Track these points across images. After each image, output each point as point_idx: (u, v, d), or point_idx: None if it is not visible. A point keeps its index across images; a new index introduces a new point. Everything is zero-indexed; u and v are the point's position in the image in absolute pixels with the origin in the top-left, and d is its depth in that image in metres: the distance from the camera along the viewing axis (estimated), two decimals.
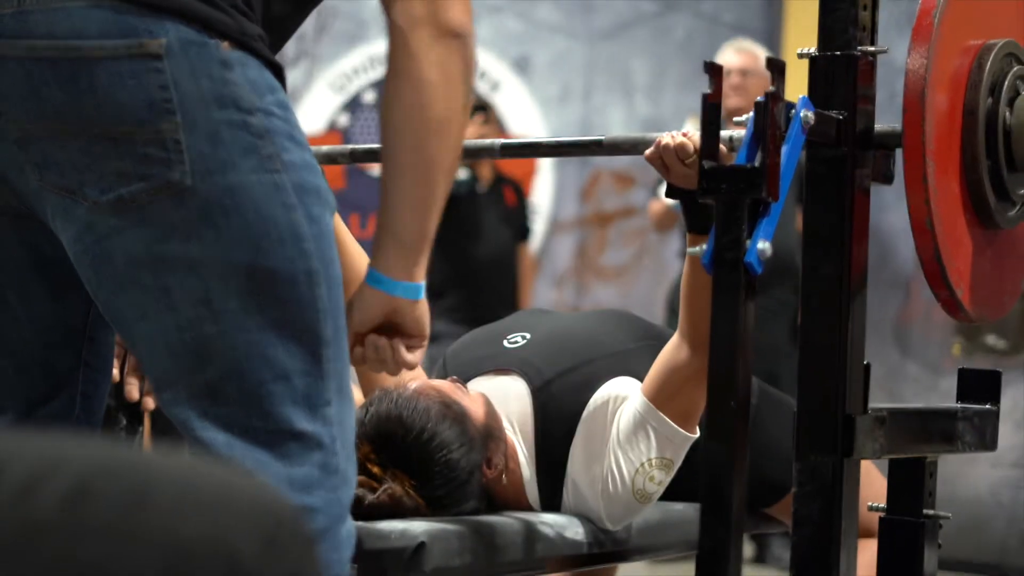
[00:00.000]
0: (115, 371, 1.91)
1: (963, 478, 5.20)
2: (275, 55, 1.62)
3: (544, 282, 6.82)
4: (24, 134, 1.53)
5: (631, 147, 2.19)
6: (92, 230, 1.53)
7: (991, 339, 5.40)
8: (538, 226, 6.83)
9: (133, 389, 1.91)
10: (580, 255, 6.90)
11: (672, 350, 2.24)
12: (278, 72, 1.58)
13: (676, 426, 2.25)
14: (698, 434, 2.27)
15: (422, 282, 1.70)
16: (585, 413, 2.34)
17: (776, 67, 1.75)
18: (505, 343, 2.50)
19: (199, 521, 0.86)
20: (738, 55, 4.91)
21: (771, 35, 6.29)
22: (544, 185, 6.94)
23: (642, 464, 2.26)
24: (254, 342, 1.54)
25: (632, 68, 6.82)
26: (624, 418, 2.28)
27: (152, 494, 0.86)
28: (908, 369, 5.63)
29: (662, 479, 2.28)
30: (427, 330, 1.71)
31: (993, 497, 5.33)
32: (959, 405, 2.14)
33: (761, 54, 4.97)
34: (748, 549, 4.91)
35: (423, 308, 1.70)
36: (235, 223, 1.52)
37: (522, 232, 5.91)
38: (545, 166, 6.93)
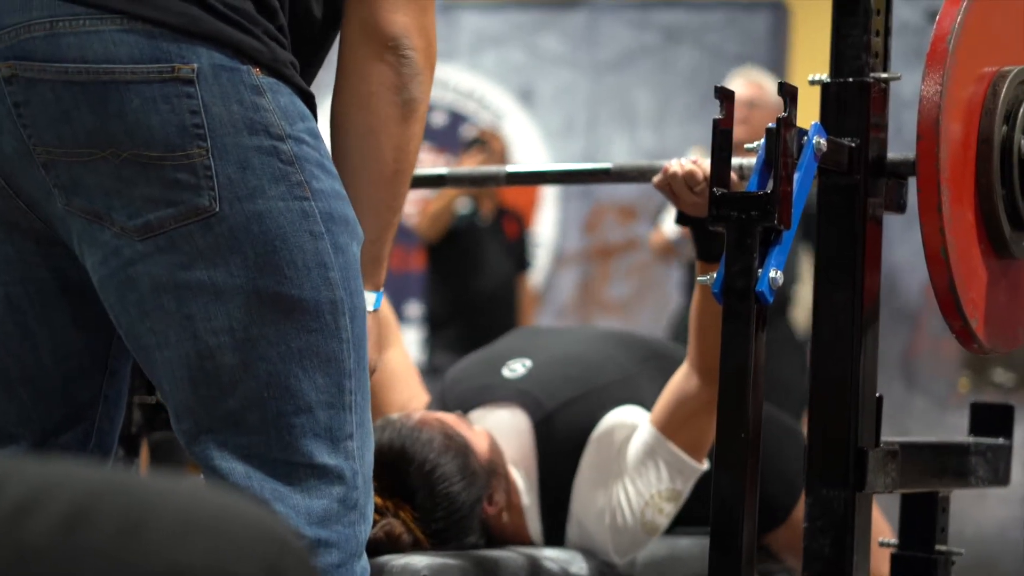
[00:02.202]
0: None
1: (971, 516, 5.16)
2: (308, 84, 1.61)
3: (547, 315, 6.80)
4: (52, 157, 1.52)
5: (639, 175, 2.17)
6: (118, 255, 1.52)
7: (999, 374, 5.37)
8: (541, 259, 6.81)
9: None
10: (583, 288, 6.88)
11: (681, 380, 2.21)
12: (309, 100, 1.59)
13: (686, 457, 2.22)
14: (708, 466, 2.24)
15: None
16: (589, 445, 2.30)
17: (788, 93, 1.73)
18: (505, 372, 2.46)
19: (198, 548, 0.84)
20: (746, 86, 4.78)
21: (777, 68, 6.28)
22: (547, 218, 6.93)
23: (651, 496, 2.23)
24: (277, 372, 1.52)
25: (636, 100, 6.81)
26: (632, 449, 2.25)
27: (150, 520, 0.84)
28: (915, 404, 5.60)
29: (671, 511, 2.26)
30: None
31: (1001, 535, 5.30)
32: (972, 439, 2.11)
33: (769, 85, 4.82)
34: None
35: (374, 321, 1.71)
36: (261, 250, 1.51)
37: (523, 264, 5.90)
38: (548, 199, 6.91)
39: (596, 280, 6.87)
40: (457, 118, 6.89)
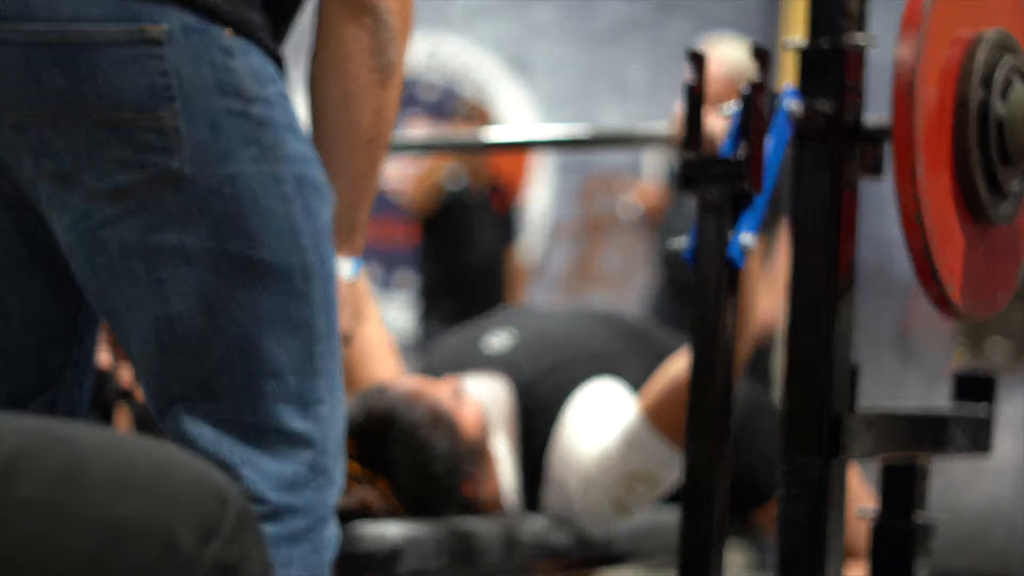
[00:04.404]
0: (105, 356, 1.88)
1: (964, 489, 5.17)
2: (277, 47, 1.60)
3: (541, 287, 6.80)
4: (21, 119, 1.51)
5: (617, 140, 2.16)
6: (88, 218, 1.51)
7: (994, 346, 5.37)
8: (535, 232, 6.82)
9: (126, 373, 1.88)
10: (577, 260, 6.88)
11: (673, 362, 2.18)
12: (279, 63, 1.58)
13: (665, 443, 2.18)
14: None
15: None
16: (566, 413, 2.30)
17: (761, 57, 1.72)
18: (489, 341, 2.46)
19: (135, 499, 0.83)
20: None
21: (770, 38, 6.26)
22: (541, 191, 6.93)
23: (622, 475, 2.21)
24: (247, 337, 1.52)
25: (629, 71, 6.80)
26: (612, 426, 2.23)
27: (87, 470, 0.83)
28: (910, 378, 5.60)
29: (644, 493, 2.23)
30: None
31: (994, 507, 5.30)
32: (951, 408, 2.10)
33: (728, 52, 4.42)
34: (749, 555, 4.88)
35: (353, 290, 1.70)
36: (232, 214, 1.50)
37: (511, 237, 5.93)
38: (542, 171, 6.91)
39: (590, 252, 6.86)
40: (450, 89, 6.88)
